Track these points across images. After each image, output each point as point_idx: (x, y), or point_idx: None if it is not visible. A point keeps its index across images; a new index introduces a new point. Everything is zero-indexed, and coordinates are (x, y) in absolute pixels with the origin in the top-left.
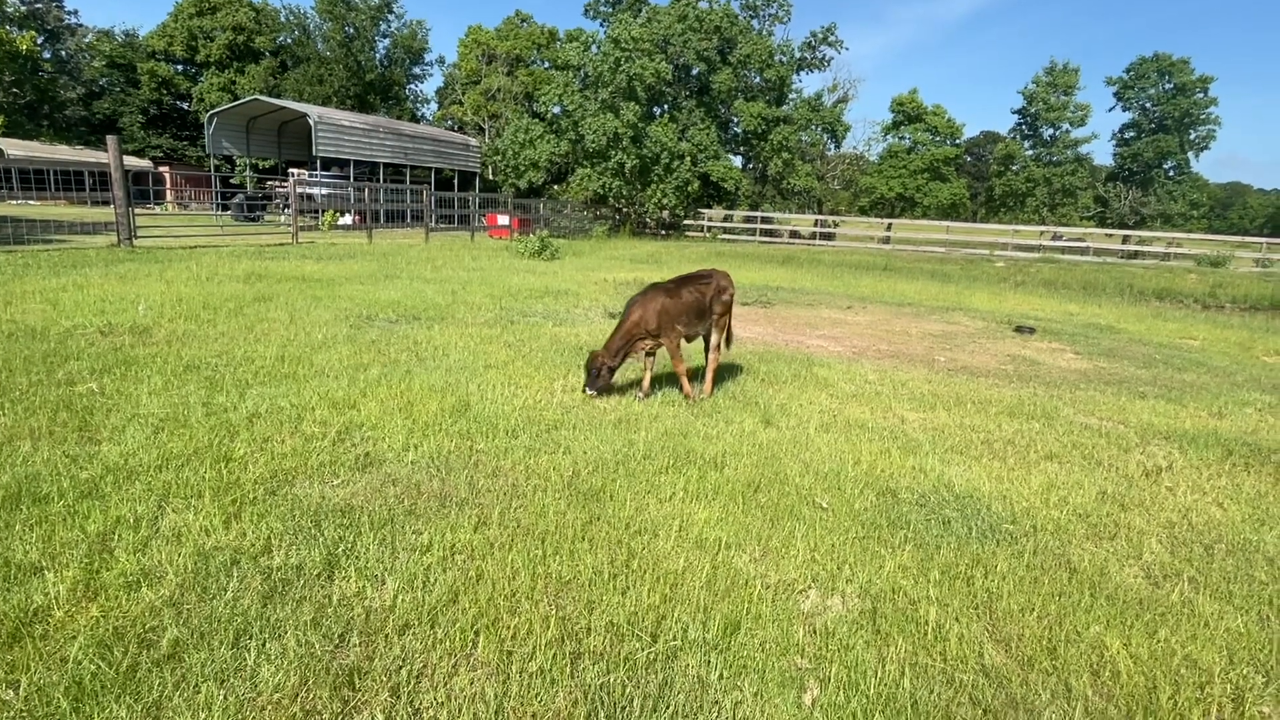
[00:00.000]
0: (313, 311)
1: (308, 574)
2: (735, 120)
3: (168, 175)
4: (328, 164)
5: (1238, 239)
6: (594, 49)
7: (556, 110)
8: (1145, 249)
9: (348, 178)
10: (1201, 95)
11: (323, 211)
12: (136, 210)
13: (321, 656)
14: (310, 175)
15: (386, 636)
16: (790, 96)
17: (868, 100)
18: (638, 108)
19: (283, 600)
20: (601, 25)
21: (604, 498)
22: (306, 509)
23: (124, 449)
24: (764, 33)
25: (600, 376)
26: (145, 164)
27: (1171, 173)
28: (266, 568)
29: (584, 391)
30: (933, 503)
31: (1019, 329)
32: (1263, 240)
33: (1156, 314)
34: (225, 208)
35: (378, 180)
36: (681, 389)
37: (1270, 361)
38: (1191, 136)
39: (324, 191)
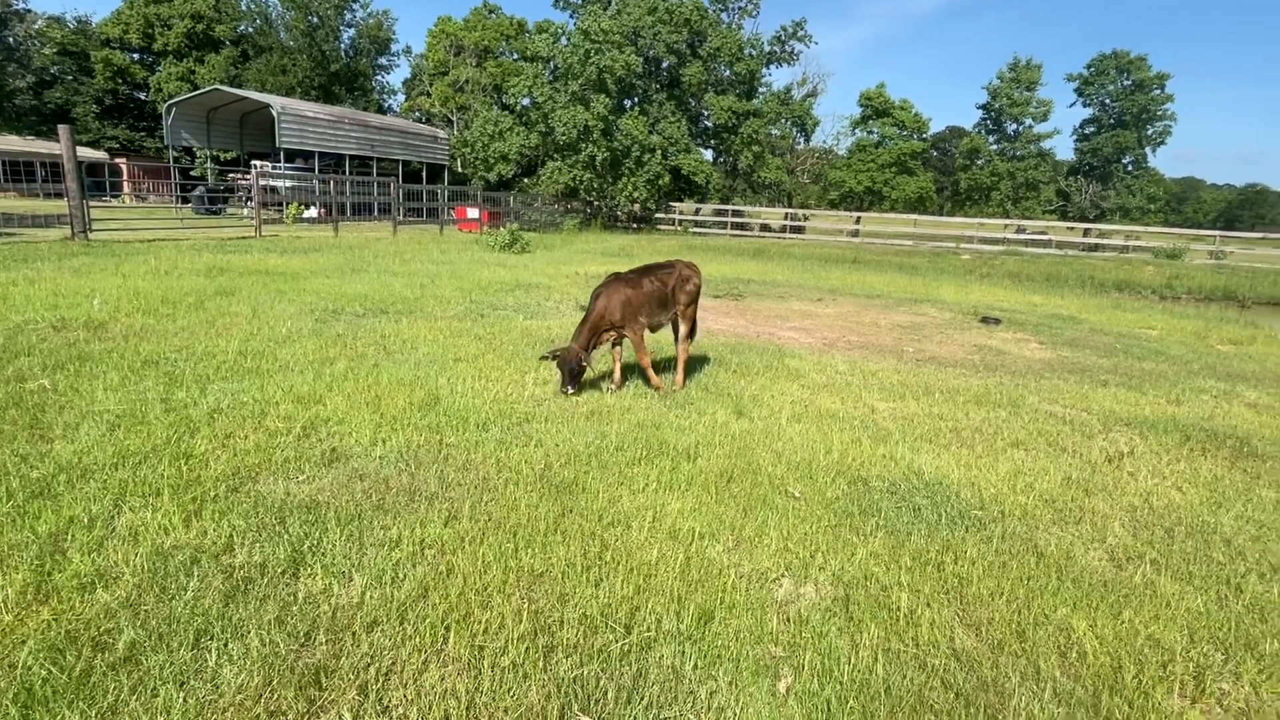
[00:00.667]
0: (277, 305)
1: (271, 572)
2: (706, 113)
3: (125, 167)
4: (292, 156)
5: (1192, 232)
6: (564, 41)
7: (526, 102)
8: (1105, 242)
9: (312, 170)
10: (1158, 92)
11: (287, 204)
12: (92, 203)
13: (286, 656)
14: (274, 167)
15: (354, 634)
16: (760, 90)
17: (836, 94)
18: (608, 100)
19: (245, 599)
20: (571, 17)
21: (576, 490)
22: (270, 506)
23: (78, 447)
24: (733, 26)
25: (578, 373)
26: (100, 155)
27: (1130, 167)
28: (228, 566)
29: (564, 391)
30: (903, 490)
31: (985, 320)
32: (1216, 233)
33: (1116, 305)
34: (185, 200)
35: (343, 172)
36: (649, 381)
37: (1224, 350)
38: (1149, 132)
39: (288, 184)
